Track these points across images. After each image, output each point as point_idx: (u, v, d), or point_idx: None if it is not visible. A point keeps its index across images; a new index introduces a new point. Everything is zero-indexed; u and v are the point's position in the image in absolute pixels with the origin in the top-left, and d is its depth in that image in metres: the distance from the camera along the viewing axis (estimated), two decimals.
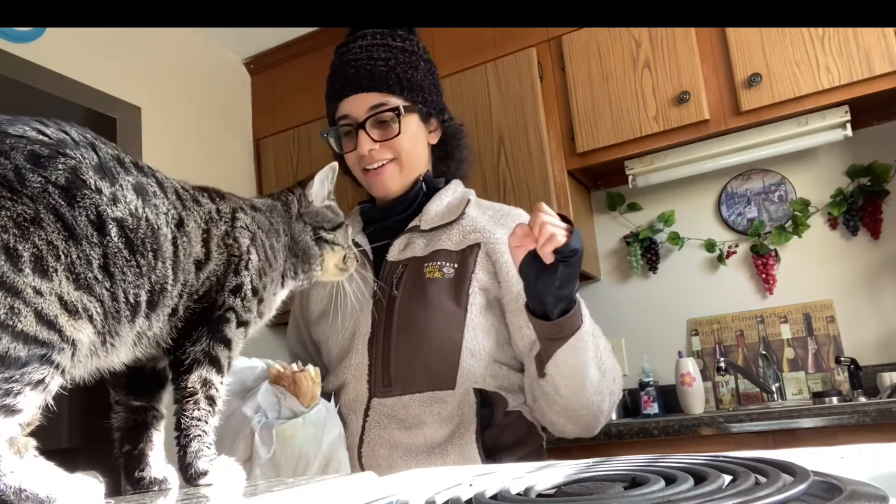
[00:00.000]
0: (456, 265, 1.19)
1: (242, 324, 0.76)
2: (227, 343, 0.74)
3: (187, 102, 2.79)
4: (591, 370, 1.08)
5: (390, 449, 1.12)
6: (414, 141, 1.28)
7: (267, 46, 3.04)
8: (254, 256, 0.78)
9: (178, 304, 0.69)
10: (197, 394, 0.71)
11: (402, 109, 1.23)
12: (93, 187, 0.59)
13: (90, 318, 0.57)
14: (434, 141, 1.33)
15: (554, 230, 0.96)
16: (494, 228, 1.23)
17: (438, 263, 1.19)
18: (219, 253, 0.74)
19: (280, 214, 0.89)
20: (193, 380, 0.71)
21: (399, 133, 1.24)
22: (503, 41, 2.56)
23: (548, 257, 0.96)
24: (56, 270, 0.55)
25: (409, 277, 1.19)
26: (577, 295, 1.06)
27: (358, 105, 1.24)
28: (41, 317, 0.53)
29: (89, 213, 0.58)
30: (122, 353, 0.65)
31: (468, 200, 1.29)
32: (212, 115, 2.89)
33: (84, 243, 0.57)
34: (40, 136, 0.58)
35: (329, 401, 1.10)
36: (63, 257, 0.55)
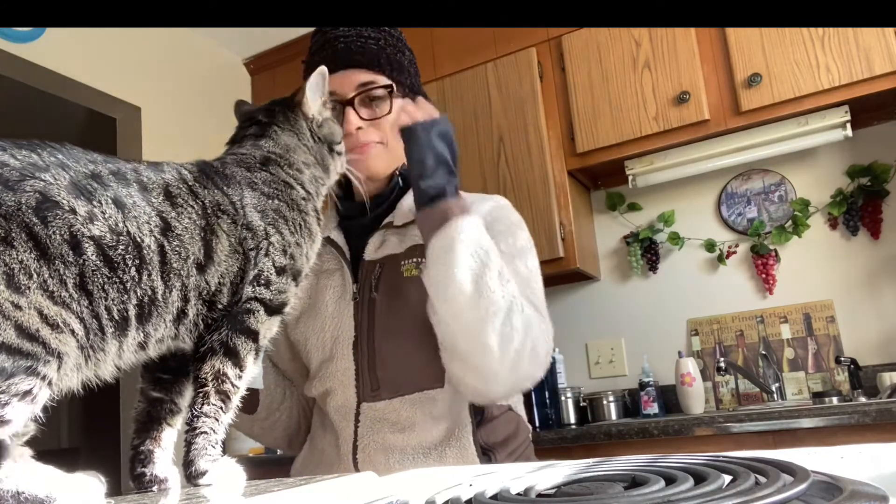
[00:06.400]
0: None
1: (274, 310, 0.74)
2: (251, 334, 0.71)
3: (187, 102, 2.79)
4: (463, 280, 0.98)
5: (386, 454, 1.11)
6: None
7: (267, 46, 3.05)
8: (274, 238, 0.75)
9: (185, 307, 0.67)
10: (207, 386, 0.68)
11: (394, 88, 1.20)
12: (66, 207, 0.58)
13: (72, 333, 0.57)
14: None
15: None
16: None
17: (415, 260, 1.16)
18: (228, 255, 0.71)
19: (297, 148, 0.88)
20: (206, 370, 0.69)
21: (390, 111, 1.19)
22: (503, 41, 2.56)
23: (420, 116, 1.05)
24: (29, 288, 0.54)
25: (386, 277, 1.16)
26: (469, 220, 1.02)
27: (346, 82, 1.19)
28: (22, 330, 0.53)
29: (62, 232, 0.57)
30: (110, 366, 0.63)
31: None
32: (212, 115, 2.89)
33: (57, 262, 0.56)
34: (11, 161, 0.57)
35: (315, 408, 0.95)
36: (35, 276, 0.55)
